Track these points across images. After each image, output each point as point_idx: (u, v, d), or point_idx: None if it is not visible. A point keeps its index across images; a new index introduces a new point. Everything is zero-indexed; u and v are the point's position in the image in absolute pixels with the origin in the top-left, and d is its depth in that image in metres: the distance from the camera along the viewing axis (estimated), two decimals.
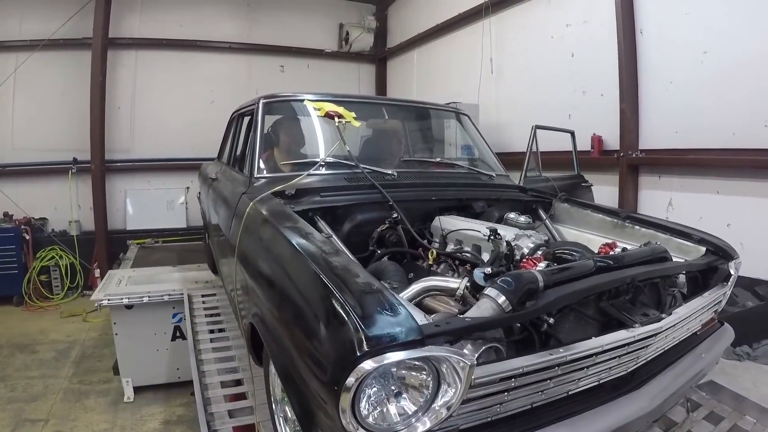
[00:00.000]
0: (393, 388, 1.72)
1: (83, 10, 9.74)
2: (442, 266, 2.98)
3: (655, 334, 2.31)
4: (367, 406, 1.68)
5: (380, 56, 13.06)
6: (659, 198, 6.21)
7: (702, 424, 3.23)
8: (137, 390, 5.87)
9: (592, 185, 6.33)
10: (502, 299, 1.90)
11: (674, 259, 2.98)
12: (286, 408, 2.64)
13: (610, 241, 3.07)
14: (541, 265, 2.46)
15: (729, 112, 5.45)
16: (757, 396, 3.85)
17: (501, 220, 3.62)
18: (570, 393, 2.15)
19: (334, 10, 12.75)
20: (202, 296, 5.72)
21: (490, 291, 1.95)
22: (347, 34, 12.58)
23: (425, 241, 3.29)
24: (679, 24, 5.94)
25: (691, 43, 5.78)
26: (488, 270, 2.12)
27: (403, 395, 1.74)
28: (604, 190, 6.60)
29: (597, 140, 6.74)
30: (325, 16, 12.66)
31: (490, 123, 8.50)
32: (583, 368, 2.10)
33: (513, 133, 8.11)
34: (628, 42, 6.36)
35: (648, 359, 2.47)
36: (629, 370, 2.37)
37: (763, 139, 5.17)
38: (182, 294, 5.69)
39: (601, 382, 2.26)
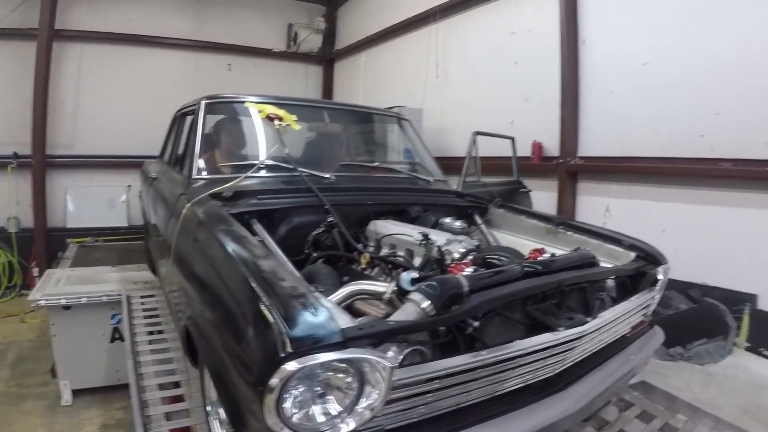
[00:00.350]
0: (318, 389, 1.75)
1: (30, 0, 9.51)
2: (376, 270, 3.02)
3: (580, 337, 2.38)
4: (292, 407, 1.71)
5: (328, 58, 13.06)
6: (597, 204, 6.39)
7: (634, 422, 3.34)
8: (76, 393, 5.72)
9: (530, 191, 6.49)
10: (426, 303, 1.95)
11: (604, 265, 3.06)
12: (220, 410, 2.65)
13: (540, 247, 3.15)
14: (469, 270, 2.52)
15: (666, 121, 5.67)
16: (689, 395, 4.02)
17: (437, 225, 3.69)
18: (496, 394, 2.20)
19: (284, 9, 12.71)
20: (141, 297, 5.62)
21: (414, 295, 2.00)
22: (296, 34, 12.53)
23: (360, 245, 3.32)
24: (621, 36, 6.15)
25: (632, 55, 5.98)
26: (414, 275, 2.16)
27: (328, 396, 1.77)
28: (544, 196, 6.75)
29: (537, 147, 6.88)
30: (275, 15, 12.60)
31: (435, 127, 8.61)
32: (506, 370, 2.15)
33: (456, 137, 8.19)
34: (571, 51, 6.53)
35: (576, 361, 2.54)
36: (556, 372, 2.43)
37: (698, 149, 5.41)
38: (121, 295, 5.60)
39: (527, 383, 2.32)
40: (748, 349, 5.19)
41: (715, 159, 5.32)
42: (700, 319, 5.28)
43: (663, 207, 5.81)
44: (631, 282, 3.15)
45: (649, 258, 3.24)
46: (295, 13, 12.82)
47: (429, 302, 1.96)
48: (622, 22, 6.15)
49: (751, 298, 5.23)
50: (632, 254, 3.27)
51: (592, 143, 6.44)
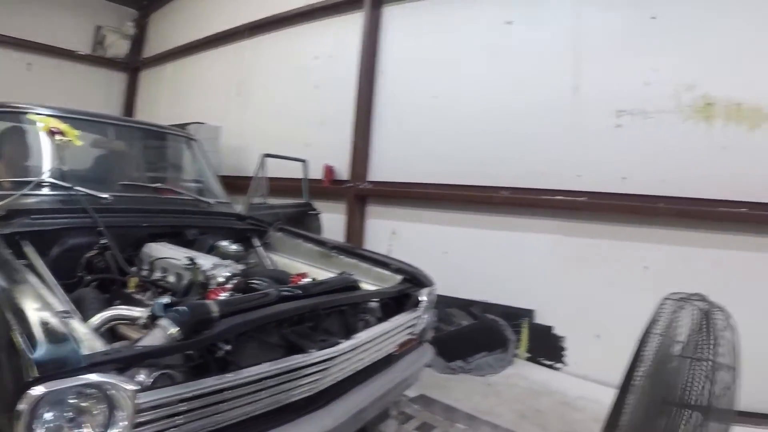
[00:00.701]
0: (69, 414, 1.76)
1: None
2: (148, 293, 3.00)
3: (333, 358, 2.51)
4: None
5: (134, 65, 12.59)
6: (385, 227, 6.72)
7: None
8: None
9: (319, 213, 6.66)
10: (173, 329, 2.01)
11: (369, 287, 3.25)
12: None
13: (303, 272, 3.28)
14: (225, 295, 2.62)
15: (452, 151, 6.15)
16: (469, 405, 4.26)
17: (214, 248, 3.70)
18: (255, 414, 2.25)
19: (93, 9, 12.12)
20: None
21: (162, 321, 2.05)
22: (104, 37, 12.03)
23: (135, 268, 3.28)
24: (415, 69, 6.59)
25: (424, 88, 6.43)
26: (167, 300, 2.22)
27: (81, 422, 1.78)
28: (335, 218, 6.95)
29: (329, 170, 7.10)
30: (83, 15, 11.97)
31: (235, 145, 8.61)
32: (259, 390, 2.23)
33: (256, 156, 7.99)
34: (368, 79, 6.85)
35: (338, 379, 2.65)
36: (316, 391, 2.52)
37: (480, 177, 5.90)
38: None
39: (285, 402, 2.39)
40: (528, 359, 5.71)
41: (495, 187, 5.84)
42: (480, 333, 5.68)
43: (447, 230, 6.24)
44: (397, 303, 3.34)
45: (414, 281, 3.46)
46: (104, 15, 12.28)
47: (177, 328, 2.02)
48: (418, 56, 6.61)
49: (528, 313, 5.77)
50: (398, 277, 3.48)
51: (383, 168, 6.77)
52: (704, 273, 5.04)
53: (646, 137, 5.32)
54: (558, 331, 5.67)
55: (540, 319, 5.75)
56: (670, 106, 5.26)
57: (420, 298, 3.40)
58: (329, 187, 7.16)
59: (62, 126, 3.55)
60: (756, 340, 4.67)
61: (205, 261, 3.10)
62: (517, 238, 5.90)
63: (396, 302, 3.36)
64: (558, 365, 5.61)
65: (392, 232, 6.64)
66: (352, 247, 4.06)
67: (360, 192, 6.83)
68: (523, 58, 5.93)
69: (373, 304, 3.23)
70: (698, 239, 5.16)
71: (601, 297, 5.29)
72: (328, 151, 7.28)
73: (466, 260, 6.03)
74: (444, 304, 5.74)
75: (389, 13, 7.02)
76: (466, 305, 5.93)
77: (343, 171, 7.13)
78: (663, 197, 5.20)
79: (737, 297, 4.83)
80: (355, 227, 6.86)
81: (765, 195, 4.87)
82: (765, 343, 4.70)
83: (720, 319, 2.61)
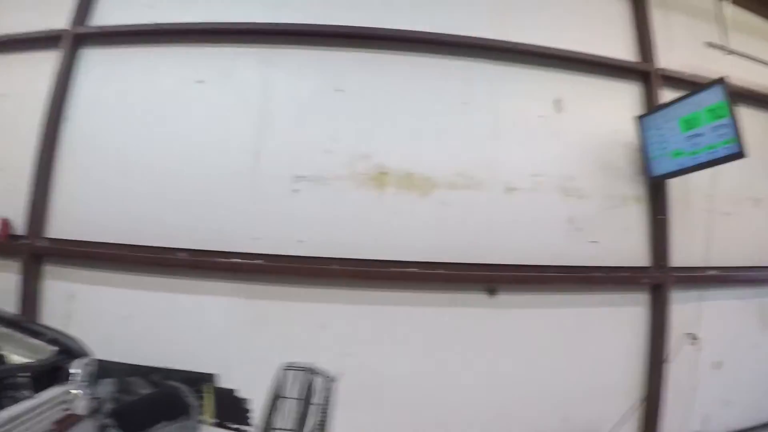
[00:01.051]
0: None
1: None
2: None
3: None
4: None
5: None
6: (63, 289, 6.23)
7: None
8: None
9: None
10: None
11: (22, 359, 3.03)
12: None
13: None
14: None
15: (135, 209, 6.03)
16: None
17: None
18: None
19: None
20: None
21: None
22: None
23: None
24: (106, 120, 6.36)
25: (113, 140, 6.25)
26: None
27: None
28: (9, 279, 6.29)
29: (4, 223, 6.44)
30: None
31: None
32: None
33: None
34: (55, 125, 6.39)
35: None
36: None
37: (159, 238, 5.90)
38: None
39: None
40: (216, 425, 5.68)
41: (173, 248, 5.83)
42: (160, 402, 5.48)
43: (128, 293, 5.99)
44: (51, 377, 3.14)
45: (68, 352, 3.27)
46: None
47: None
48: (111, 106, 6.38)
49: (210, 378, 5.73)
50: (54, 348, 3.27)
51: (65, 224, 6.29)
52: (380, 328, 5.60)
53: (323, 202, 5.76)
54: (242, 393, 5.74)
55: (223, 382, 5.77)
56: (345, 174, 5.77)
57: (72, 371, 3.23)
58: (3, 244, 6.41)
59: None
60: (438, 385, 5.22)
61: None
62: (196, 301, 5.90)
63: (49, 376, 3.15)
64: (245, 428, 5.69)
65: (72, 295, 6.16)
66: (6, 313, 3.75)
67: (36, 250, 6.22)
68: (211, 119, 6.07)
69: (23, 379, 2.99)
70: (372, 297, 5.64)
71: (280, 357, 5.34)
72: (6, 201, 6.52)
73: (148, 325, 5.85)
74: (125, 372, 5.60)
75: (88, 56, 6.66)
76: (147, 373, 5.71)
77: (22, 225, 6.45)
78: (338, 259, 5.63)
79: (415, 349, 5.43)
80: (30, 289, 6.19)
81: (435, 255, 5.58)
82: (442, 388, 5.52)
83: (323, 387, 2.97)
